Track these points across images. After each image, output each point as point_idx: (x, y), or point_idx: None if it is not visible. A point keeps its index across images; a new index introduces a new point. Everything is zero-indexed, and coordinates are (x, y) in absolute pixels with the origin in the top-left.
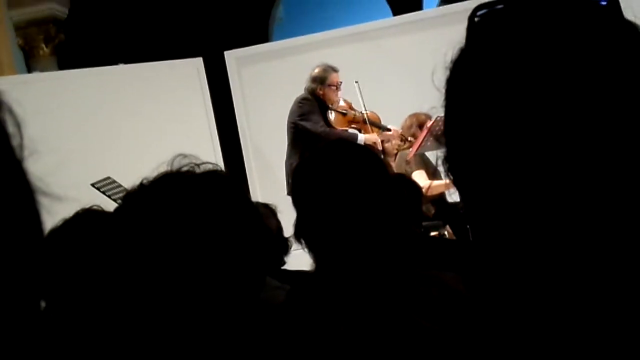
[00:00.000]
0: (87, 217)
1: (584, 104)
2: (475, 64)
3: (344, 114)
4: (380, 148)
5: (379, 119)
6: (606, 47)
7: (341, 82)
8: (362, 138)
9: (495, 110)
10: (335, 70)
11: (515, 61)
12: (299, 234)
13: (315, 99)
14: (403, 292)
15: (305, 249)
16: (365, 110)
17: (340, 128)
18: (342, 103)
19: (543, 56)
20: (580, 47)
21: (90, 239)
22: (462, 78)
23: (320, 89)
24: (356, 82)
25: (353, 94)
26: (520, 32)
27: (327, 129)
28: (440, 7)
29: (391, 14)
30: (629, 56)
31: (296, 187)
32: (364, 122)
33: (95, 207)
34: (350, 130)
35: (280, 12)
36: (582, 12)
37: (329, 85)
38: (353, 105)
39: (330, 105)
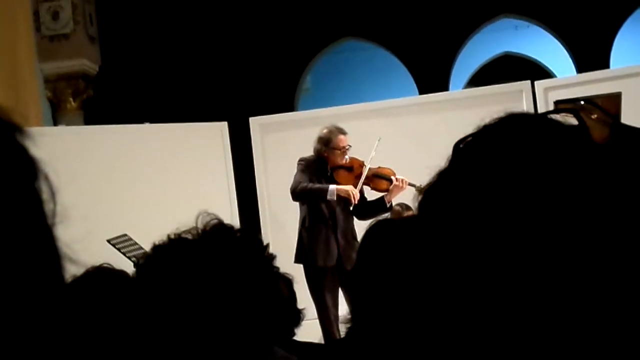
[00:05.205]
0: (98, 275)
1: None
2: (455, 191)
3: (350, 170)
4: (354, 199)
5: (390, 171)
6: (574, 175)
7: (349, 146)
8: (333, 189)
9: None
10: (342, 132)
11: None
12: (347, 286)
13: (319, 160)
14: None
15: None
16: (369, 162)
17: (347, 185)
18: (347, 159)
19: (517, 191)
20: (552, 180)
21: (100, 296)
22: (441, 201)
23: (325, 151)
24: (380, 138)
25: (371, 147)
26: (496, 164)
27: (296, 182)
28: (466, 90)
29: (417, 92)
30: (596, 181)
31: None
32: (374, 176)
33: (105, 265)
34: (332, 186)
35: (307, 82)
36: (556, 154)
37: (334, 148)
38: (365, 162)
39: (335, 165)
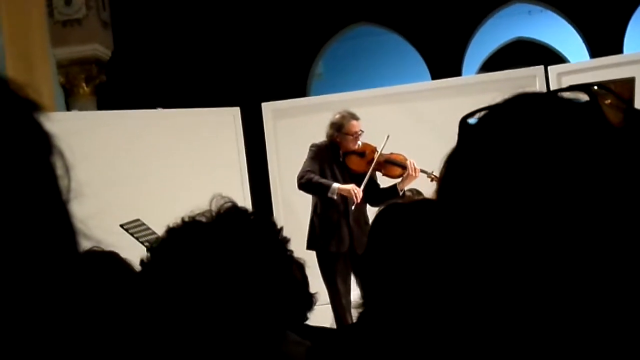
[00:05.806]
0: (89, 258)
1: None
2: (468, 168)
3: (362, 155)
4: (356, 198)
5: (403, 158)
6: (580, 152)
7: (362, 131)
8: (335, 187)
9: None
10: (354, 117)
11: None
12: (358, 270)
13: (331, 146)
14: None
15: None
16: (381, 149)
17: (359, 170)
18: (359, 144)
19: (526, 167)
20: (561, 156)
21: (92, 280)
22: (455, 177)
23: (337, 136)
24: (388, 136)
25: (383, 132)
26: (506, 138)
27: (304, 171)
28: (479, 75)
29: (430, 77)
30: (602, 155)
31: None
32: (386, 162)
33: (95, 249)
34: (335, 184)
35: (320, 67)
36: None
37: (346, 134)
38: (378, 148)
39: (347, 151)
